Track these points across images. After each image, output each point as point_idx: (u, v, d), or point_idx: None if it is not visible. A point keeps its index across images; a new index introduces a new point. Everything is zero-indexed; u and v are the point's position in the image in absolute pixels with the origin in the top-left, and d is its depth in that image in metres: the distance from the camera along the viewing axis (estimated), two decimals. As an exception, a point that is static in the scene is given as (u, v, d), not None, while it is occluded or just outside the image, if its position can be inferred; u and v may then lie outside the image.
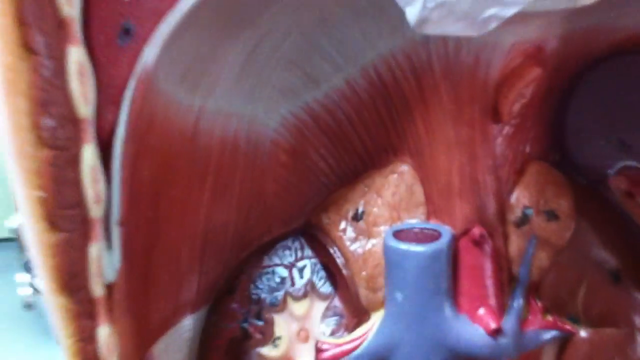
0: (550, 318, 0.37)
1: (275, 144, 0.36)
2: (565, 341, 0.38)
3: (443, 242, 0.34)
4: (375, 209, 0.37)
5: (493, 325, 0.34)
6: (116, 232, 0.30)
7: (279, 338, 0.37)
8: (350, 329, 0.37)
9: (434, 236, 0.35)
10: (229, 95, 0.34)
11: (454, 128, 0.35)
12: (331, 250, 0.37)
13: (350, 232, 0.37)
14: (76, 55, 0.26)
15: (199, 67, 0.32)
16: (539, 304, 0.37)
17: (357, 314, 0.37)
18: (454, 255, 0.35)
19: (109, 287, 0.30)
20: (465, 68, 0.34)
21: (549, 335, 0.37)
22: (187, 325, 0.37)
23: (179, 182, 0.34)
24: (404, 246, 0.34)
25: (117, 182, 0.30)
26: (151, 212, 0.33)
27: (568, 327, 0.38)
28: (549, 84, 0.36)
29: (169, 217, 0.34)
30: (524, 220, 0.37)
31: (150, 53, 0.28)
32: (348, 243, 0.37)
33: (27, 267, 0.78)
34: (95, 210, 0.28)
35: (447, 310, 0.35)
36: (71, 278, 0.28)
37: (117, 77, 0.28)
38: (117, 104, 0.29)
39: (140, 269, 0.33)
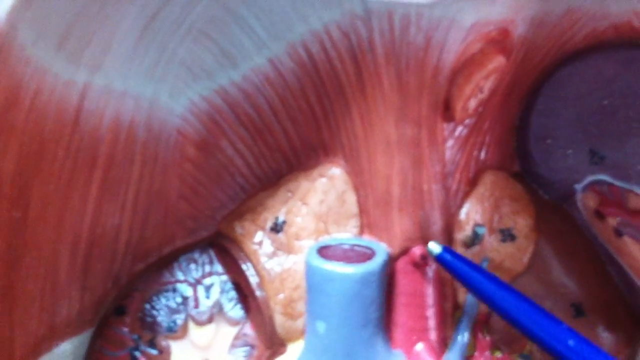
0: (499, 355, 0.33)
1: (181, 134, 0.32)
2: (516, 383, 0.35)
3: (376, 262, 0.30)
4: (298, 219, 0.32)
5: (432, 364, 0.30)
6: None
7: (174, 370, 0.32)
8: (263, 362, 0.33)
9: (367, 255, 0.31)
10: (124, 71, 0.29)
11: (397, 125, 0.31)
12: (244, 267, 0.33)
13: (267, 246, 0.33)
14: None
15: (82, 32, 0.27)
16: (488, 338, 0.33)
17: (271, 344, 0.32)
18: (389, 279, 0.31)
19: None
20: (413, 51, 0.30)
21: (497, 376, 0.33)
22: (67, 350, 0.32)
23: (56, 176, 0.29)
24: (329, 266, 0.30)
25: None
26: (17, 211, 0.28)
27: (520, 367, 0.34)
28: (513, 78, 0.33)
29: (42, 219, 0.30)
30: (474, 239, 0.33)
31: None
32: (264, 259, 0.33)
33: None
34: None
35: (379, 345, 0.30)
36: None
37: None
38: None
39: (1, 279, 0.28)
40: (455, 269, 0.30)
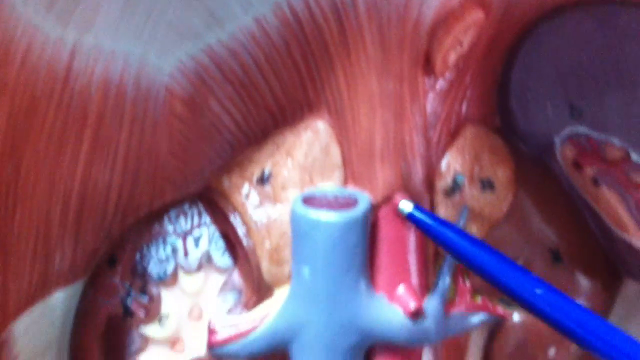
0: (479, 300, 0.34)
1: (170, 92, 0.32)
2: (496, 326, 0.35)
3: (359, 210, 0.31)
4: (284, 171, 0.33)
5: (413, 305, 0.31)
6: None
7: (166, 316, 0.34)
8: (250, 306, 0.34)
9: (350, 204, 0.32)
10: (113, 31, 0.30)
11: (379, 79, 0.32)
12: (232, 218, 0.34)
13: (254, 198, 0.34)
14: None
15: None
16: (468, 283, 0.34)
17: (258, 290, 0.34)
18: (372, 226, 0.32)
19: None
20: (394, 5, 0.31)
21: (477, 319, 0.34)
22: (60, 299, 0.33)
23: (48, 133, 0.31)
24: (313, 214, 0.31)
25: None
26: (9, 166, 0.30)
27: (499, 310, 0.35)
28: (493, 34, 0.33)
29: (34, 174, 0.31)
30: (454, 188, 0.34)
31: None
32: (251, 210, 0.34)
33: None
34: None
35: (362, 288, 0.31)
36: None
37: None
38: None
39: None
40: (424, 226, 0.32)
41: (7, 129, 0.29)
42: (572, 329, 0.30)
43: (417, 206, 0.32)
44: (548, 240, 0.36)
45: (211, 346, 0.33)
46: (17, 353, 0.32)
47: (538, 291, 0.31)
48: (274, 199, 0.33)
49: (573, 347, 0.36)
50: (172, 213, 0.35)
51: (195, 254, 0.35)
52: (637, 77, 0.33)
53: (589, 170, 0.35)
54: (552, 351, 0.36)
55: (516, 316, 0.35)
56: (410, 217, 0.32)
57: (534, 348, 0.36)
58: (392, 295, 0.32)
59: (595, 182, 0.35)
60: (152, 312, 0.34)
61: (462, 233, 0.32)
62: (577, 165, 0.35)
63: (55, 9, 0.29)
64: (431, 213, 0.32)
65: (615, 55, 0.33)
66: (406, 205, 0.32)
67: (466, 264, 0.32)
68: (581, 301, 0.36)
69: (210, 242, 0.35)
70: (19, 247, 0.31)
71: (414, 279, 0.32)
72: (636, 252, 0.34)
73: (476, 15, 0.31)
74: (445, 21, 0.31)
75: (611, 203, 0.35)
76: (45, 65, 0.29)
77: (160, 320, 0.34)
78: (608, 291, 0.37)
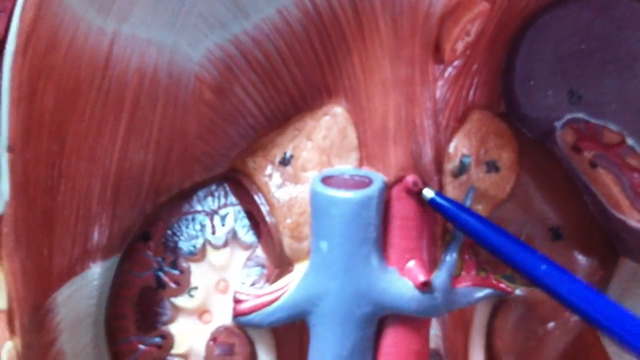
0: (484, 275, 0.37)
1: (199, 79, 0.35)
2: (499, 301, 0.38)
3: (373, 189, 0.33)
4: (304, 153, 0.36)
5: (422, 278, 0.33)
6: (5, 159, 0.28)
7: (195, 288, 0.36)
8: (272, 280, 0.36)
9: (365, 183, 0.34)
10: (148, 21, 0.32)
11: (392, 66, 0.34)
12: (256, 197, 0.36)
13: (276, 178, 0.36)
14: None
15: None
16: (474, 259, 0.36)
17: (279, 264, 0.36)
18: (385, 204, 0.34)
19: (-4, 219, 0.29)
20: None
21: (482, 293, 0.36)
22: (97, 272, 0.35)
23: (89, 115, 0.33)
24: (331, 192, 0.33)
25: (7, 103, 0.28)
26: (55, 143, 0.32)
27: (503, 285, 0.37)
28: (498, 24, 0.36)
29: (77, 152, 0.33)
30: (461, 169, 0.36)
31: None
32: (274, 189, 0.36)
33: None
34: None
35: (375, 262, 0.34)
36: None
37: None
38: (7, 14, 0.26)
39: (41, 204, 0.32)
40: (445, 211, 0.34)
41: (54, 109, 0.31)
42: (573, 301, 0.32)
43: (438, 193, 0.34)
44: (549, 219, 0.38)
45: (236, 316, 0.36)
46: (60, 320, 0.34)
47: (543, 267, 0.33)
48: (295, 180, 0.36)
49: (571, 322, 0.38)
50: (201, 193, 0.37)
51: (221, 231, 0.37)
52: (632, 64, 0.35)
53: (587, 154, 0.37)
54: (551, 325, 0.38)
55: (518, 292, 0.37)
56: (431, 202, 0.34)
57: (535, 322, 0.38)
58: (402, 269, 0.34)
59: (593, 164, 0.37)
60: (183, 285, 0.36)
61: (476, 216, 0.34)
62: (576, 149, 0.37)
63: (97, 0, 0.31)
64: (449, 198, 0.35)
65: (612, 44, 0.35)
66: (428, 192, 0.34)
67: (479, 243, 0.34)
68: (580, 277, 0.38)
69: (235, 220, 0.37)
70: (63, 221, 0.33)
71: (423, 254, 0.35)
72: (631, 231, 0.36)
73: (482, 7, 0.34)
74: (453, 12, 0.34)
75: (607, 184, 0.37)
76: (88, 52, 0.31)
77: (189, 291, 0.36)
78: (605, 268, 0.38)
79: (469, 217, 0.34)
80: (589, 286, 0.33)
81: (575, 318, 0.38)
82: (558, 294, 0.33)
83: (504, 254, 0.34)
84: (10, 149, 0.29)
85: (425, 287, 0.34)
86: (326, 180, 0.34)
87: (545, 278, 0.33)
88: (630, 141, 0.36)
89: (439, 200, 0.34)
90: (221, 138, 0.36)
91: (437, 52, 0.34)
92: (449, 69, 0.35)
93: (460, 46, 0.34)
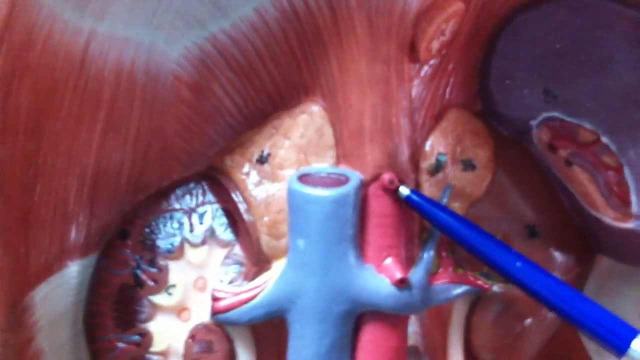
0: (461, 272, 0.37)
1: (176, 78, 0.35)
2: (477, 297, 0.38)
3: (350, 187, 0.34)
4: (281, 152, 0.36)
5: (398, 275, 0.33)
6: (-21, 157, 0.28)
7: (173, 286, 0.36)
8: (250, 277, 0.36)
9: (342, 181, 0.34)
10: (125, 19, 0.32)
11: (368, 65, 0.34)
12: (234, 195, 0.36)
13: (254, 176, 0.36)
14: None
15: None
16: (451, 257, 0.37)
17: (257, 262, 0.36)
18: (362, 202, 0.34)
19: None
20: None
21: (459, 290, 0.37)
22: (75, 270, 0.35)
23: (65, 114, 0.33)
24: (307, 190, 0.33)
25: (-19, 100, 0.28)
26: (31, 142, 0.32)
27: (480, 282, 0.37)
28: (474, 23, 0.36)
29: (54, 151, 0.33)
30: (437, 167, 0.36)
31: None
32: (251, 187, 0.36)
33: None
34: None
35: (352, 259, 0.34)
36: None
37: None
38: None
39: (17, 202, 0.32)
40: (420, 208, 0.34)
41: (30, 108, 0.31)
42: (548, 298, 0.33)
43: (414, 190, 0.34)
44: (525, 216, 0.38)
45: (215, 313, 0.36)
46: (38, 318, 0.34)
47: (518, 264, 0.33)
48: (272, 178, 0.36)
49: (548, 319, 0.39)
50: (179, 191, 0.37)
51: (200, 229, 0.37)
52: (607, 64, 0.36)
53: (563, 152, 0.37)
54: (528, 322, 0.38)
55: (495, 289, 0.38)
56: (407, 200, 0.34)
57: (512, 319, 0.38)
58: (380, 266, 0.34)
59: (569, 162, 0.37)
60: (161, 282, 0.36)
61: (452, 213, 0.35)
62: (552, 147, 0.37)
63: None
64: (425, 196, 0.35)
65: (587, 45, 0.36)
66: (404, 190, 0.34)
67: (455, 240, 0.34)
68: (556, 275, 0.38)
69: (213, 218, 0.37)
70: (39, 220, 0.33)
71: (401, 251, 0.35)
72: (606, 228, 0.37)
73: (457, 7, 0.34)
74: (428, 12, 0.34)
75: (583, 182, 0.37)
76: (64, 50, 0.31)
77: (167, 289, 0.36)
78: (582, 266, 0.39)
79: (444, 215, 0.34)
80: (563, 283, 0.33)
81: (552, 315, 0.38)
82: (533, 291, 0.33)
83: (479, 251, 0.34)
84: (-14, 148, 0.29)
85: (402, 284, 0.34)
86: (303, 178, 0.35)
87: (520, 275, 0.33)
88: (605, 139, 0.36)
89: (414, 197, 0.34)
90: (199, 136, 0.36)
91: (412, 52, 0.35)
92: (425, 68, 0.36)
93: (435, 45, 0.35)
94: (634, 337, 0.31)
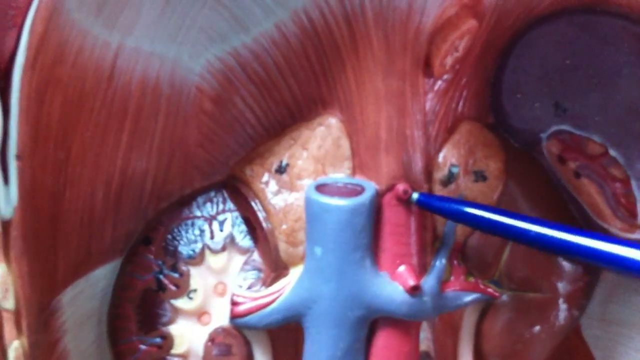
0: (472, 280, 0.38)
1: (199, 90, 0.36)
2: (487, 305, 0.39)
3: (365, 197, 0.35)
4: (299, 162, 0.37)
5: (411, 282, 0.34)
6: (13, 166, 0.30)
7: (194, 291, 0.37)
8: (268, 283, 0.37)
9: (357, 191, 0.35)
10: (151, 35, 0.34)
11: (384, 80, 0.35)
12: (253, 204, 0.37)
13: (272, 185, 0.37)
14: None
15: (117, 0, 0.32)
16: (462, 265, 0.38)
17: (275, 268, 0.37)
18: (377, 211, 0.35)
19: (5, 224, 0.30)
20: (398, 14, 0.34)
21: (470, 297, 0.38)
22: (101, 274, 0.37)
23: (93, 124, 0.34)
24: (325, 199, 0.35)
25: (16, 113, 0.29)
26: (61, 151, 0.33)
27: (490, 290, 0.38)
28: (487, 40, 0.37)
29: (82, 159, 0.34)
30: (450, 178, 0.37)
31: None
32: (270, 196, 0.37)
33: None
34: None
35: (367, 267, 0.35)
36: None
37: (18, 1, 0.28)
38: (18, 29, 0.28)
39: (47, 209, 0.33)
40: (433, 205, 0.35)
41: (61, 119, 0.32)
42: (578, 248, 0.33)
43: (422, 193, 0.35)
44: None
45: (233, 317, 0.37)
46: (64, 321, 0.35)
47: (538, 226, 0.34)
48: (290, 187, 0.37)
49: (557, 326, 0.39)
50: (200, 199, 0.38)
51: (220, 236, 0.38)
52: (615, 79, 0.36)
53: (572, 164, 0.38)
54: (537, 329, 0.39)
55: (505, 296, 0.39)
56: (418, 202, 0.35)
57: (522, 326, 0.39)
58: (393, 274, 0.35)
59: (577, 174, 0.38)
60: (182, 287, 0.37)
61: (460, 201, 0.35)
62: (561, 159, 0.38)
63: (102, 15, 0.32)
64: (435, 195, 0.36)
65: (595, 60, 0.36)
66: (414, 195, 0.35)
67: (469, 223, 0.35)
68: (565, 284, 0.39)
69: (233, 225, 0.38)
70: (68, 226, 0.34)
71: (414, 259, 0.36)
72: (613, 239, 0.38)
73: (470, 24, 0.35)
74: (442, 29, 0.35)
75: (591, 194, 0.38)
76: (93, 64, 0.33)
77: (189, 294, 0.37)
78: (590, 274, 0.40)
79: (454, 204, 0.35)
80: (586, 230, 0.34)
81: (560, 322, 0.39)
82: (561, 245, 0.33)
83: (496, 225, 0.34)
84: (19, 157, 0.30)
85: (414, 291, 0.35)
86: (320, 188, 0.36)
87: (542, 235, 0.33)
88: (613, 152, 0.37)
89: (423, 198, 0.35)
90: (220, 147, 0.37)
91: (427, 67, 0.36)
92: (439, 83, 0.37)
93: (449, 61, 0.36)
94: None
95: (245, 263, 0.38)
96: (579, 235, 0.33)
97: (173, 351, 0.37)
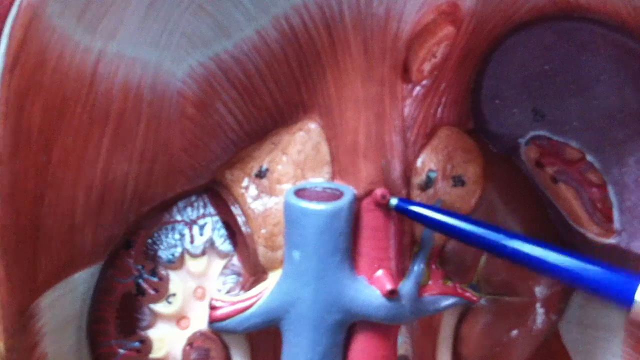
0: (450, 284, 0.38)
1: (181, 95, 0.36)
2: (466, 309, 0.39)
3: (344, 201, 0.35)
4: (279, 167, 0.37)
5: (389, 286, 0.35)
6: (-7, 170, 0.30)
7: (173, 295, 0.38)
8: (247, 287, 0.37)
9: (336, 196, 0.36)
10: (134, 40, 0.34)
11: (363, 85, 0.36)
12: (233, 208, 0.38)
13: (252, 190, 0.38)
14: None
15: (99, 6, 0.32)
16: (440, 269, 0.38)
17: (254, 272, 0.37)
18: (355, 216, 0.36)
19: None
20: (376, 21, 0.35)
21: (448, 301, 0.38)
22: (81, 278, 0.37)
23: (75, 128, 0.34)
24: (303, 204, 0.35)
25: (-5, 116, 0.29)
26: (42, 156, 0.33)
27: (468, 294, 0.38)
28: (465, 46, 0.37)
29: (63, 164, 0.34)
30: (428, 183, 0.38)
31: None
32: (250, 200, 0.37)
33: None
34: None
35: (345, 271, 0.35)
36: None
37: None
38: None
39: (27, 213, 0.33)
40: (411, 212, 0.36)
41: (42, 124, 0.33)
42: (549, 265, 0.33)
43: (401, 199, 0.36)
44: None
45: (212, 321, 0.37)
46: (43, 324, 0.35)
47: (513, 240, 0.34)
48: (270, 191, 0.37)
49: (535, 330, 0.40)
50: (181, 204, 0.39)
51: (200, 240, 0.38)
52: (592, 85, 0.37)
53: (549, 169, 0.39)
54: (515, 332, 0.40)
55: (483, 300, 0.39)
56: (397, 208, 0.36)
57: (500, 330, 0.40)
58: (371, 278, 0.36)
59: (555, 179, 0.39)
60: (161, 291, 0.38)
61: (438, 209, 0.36)
62: (539, 164, 0.39)
63: (84, 20, 0.32)
64: (414, 201, 0.36)
65: (573, 66, 0.37)
66: (393, 200, 0.36)
67: (445, 232, 0.36)
68: (542, 288, 0.40)
69: (213, 229, 0.38)
70: (48, 230, 0.35)
71: (392, 263, 0.36)
72: (590, 243, 0.38)
73: (447, 31, 0.35)
74: (420, 35, 0.36)
75: (568, 198, 0.38)
76: (75, 69, 0.33)
77: (168, 298, 0.38)
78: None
79: (432, 210, 0.35)
80: (561, 248, 0.34)
81: (538, 326, 0.40)
82: (533, 262, 0.34)
83: (471, 236, 0.35)
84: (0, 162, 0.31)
85: (392, 295, 0.35)
86: (299, 192, 0.36)
87: (518, 249, 0.34)
88: (590, 158, 0.38)
89: (402, 204, 0.36)
90: (203, 151, 0.38)
91: (405, 73, 0.36)
92: (418, 88, 0.37)
93: (427, 67, 0.36)
94: (635, 287, 0.32)
95: (225, 267, 0.38)
96: (552, 252, 0.34)
97: (152, 355, 0.38)
